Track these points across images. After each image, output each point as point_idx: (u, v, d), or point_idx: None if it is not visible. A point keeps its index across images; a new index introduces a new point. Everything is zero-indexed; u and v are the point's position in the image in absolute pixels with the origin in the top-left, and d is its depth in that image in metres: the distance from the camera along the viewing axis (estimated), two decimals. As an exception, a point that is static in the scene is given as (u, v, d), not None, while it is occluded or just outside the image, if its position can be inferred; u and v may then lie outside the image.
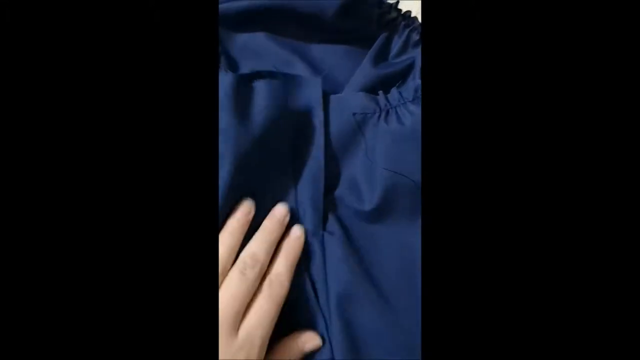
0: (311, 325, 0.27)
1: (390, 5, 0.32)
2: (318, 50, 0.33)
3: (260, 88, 0.27)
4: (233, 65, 0.31)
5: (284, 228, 0.27)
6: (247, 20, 0.31)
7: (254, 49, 0.32)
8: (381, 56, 0.32)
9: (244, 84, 0.27)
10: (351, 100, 0.29)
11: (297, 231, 0.27)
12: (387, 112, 0.29)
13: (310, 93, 0.28)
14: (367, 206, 0.29)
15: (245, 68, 0.31)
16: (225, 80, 0.26)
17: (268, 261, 0.26)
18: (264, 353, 0.25)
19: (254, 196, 0.27)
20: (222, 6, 0.31)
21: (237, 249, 0.26)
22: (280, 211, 0.27)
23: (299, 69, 0.32)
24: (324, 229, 0.28)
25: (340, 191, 0.30)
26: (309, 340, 0.26)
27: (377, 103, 0.29)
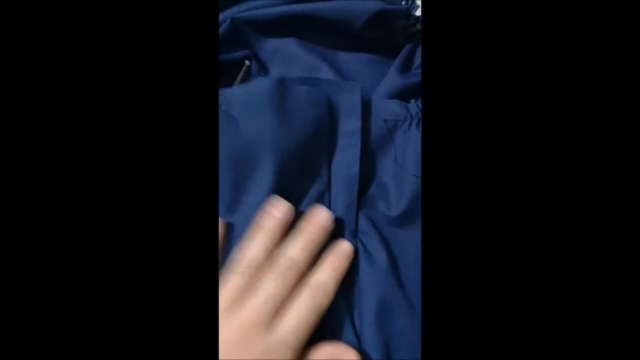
0: (339, 329, 0.27)
1: (417, 17, 0.33)
2: (344, 58, 0.33)
3: (301, 93, 0.27)
4: (263, 69, 0.32)
5: (327, 235, 0.26)
6: (278, 26, 0.32)
7: (283, 54, 0.32)
8: (406, 66, 0.33)
9: (284, 88, 0.27)
10: (383, 106, 0.30)
11: (347, 248, 0.27)
12: (419, 120, 0.30)
13: (349, 98, 0.29)
14: (395, 211, 0.30)
15: (275, 72, 0.32)
16: (264, 84, 0.27)
17: (307, 267, 0.25)
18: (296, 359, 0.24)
19: (289, 199, 0.27)
20: (254, 12, 0.31)
21: (272, 249, 0.25)
22: (324, 217, 0.26)
23: (326, 74, 0.32)
24: (356, 234, 0.29)
25: (371, 196, 0.30)
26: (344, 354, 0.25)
27: (408, 110, 0.30)
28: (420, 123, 0.30)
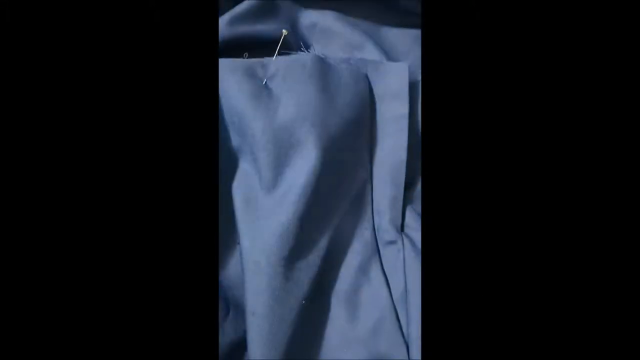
0: (386, 327, 0.25)
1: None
2: (390, 34, 0.31)
3: (342, 71, 0.25)
4: (305, 43, 0.29)
5: None
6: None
7: (322, 29, 0.30)
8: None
9: (326, 66, 0.24)
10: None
11: None
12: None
13: (396, 81, 0.26)
14: None
15: (316, 48, 0.29)
16: (306, 60, 0.24)
17: None
18: None
19: (330, 184, 0.25)
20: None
21: None
22: None
23: (370, 53, 0.29)
24: (403, 228, 0.26)
25: (420, 186, 0.27)
26: None
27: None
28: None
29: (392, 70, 0.27)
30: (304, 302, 0.23)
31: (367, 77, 0.26)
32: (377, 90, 0.26)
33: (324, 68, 0.24)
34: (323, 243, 0.24)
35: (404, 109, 0.26)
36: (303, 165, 0.24)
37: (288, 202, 0.23)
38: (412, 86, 0.27)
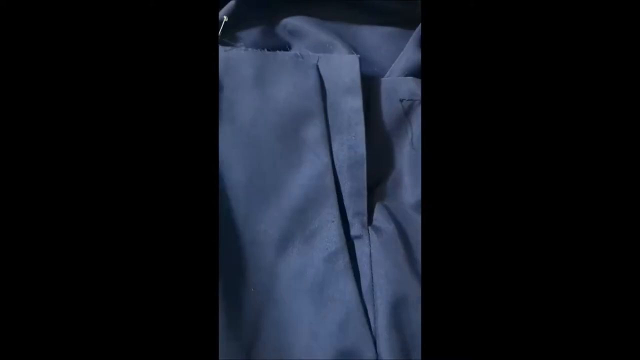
0: (353, 323, 0.25)
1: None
2: (360, 32, 0.31)
3: (285, 60, 0.25)
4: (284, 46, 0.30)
5: None
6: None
7: (292, 29, 0.30)
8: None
9: (270, 63, 0.25)
10: (399, 85, 0.28)
11: None
12: (437, 99, 0.27)
13: (348, 74, 0.26)
14: (411, 198, 0.27)
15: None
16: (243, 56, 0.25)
17: None
18: None
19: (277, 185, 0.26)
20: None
21: None
22: None
23: (339, 51, 0.30)
24: (370, 223, 0.26)
25: (389, 182, 0.28)
26: None
27: (427, 88, 0.27)
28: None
29: (344, 62, 0.27)
30: (252, 289, 0.23)
31: (317, 68, 0.26)
32: (329, 83, 0.27)
33: (264, 60, 0.25)
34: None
35: (358, 103, 0.26)
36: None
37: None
38: (370, 79, 0.27)
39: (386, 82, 0.28)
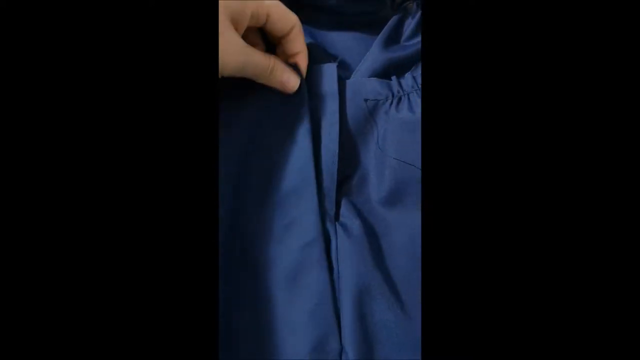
0: (323, 313, 0.27)
1: (404, -14, 0.31)
2: (328, 36, 0.32)
3: None
4: None
5: None
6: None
7: None
8: (393, 39, 0.31)
9: None
10: (363, 85, 0.29)
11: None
12: (399, 99, 0.28)
13: (327, 81, 0.28)
14: (377, 195, 0.28)
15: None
16: None
17: None
18: None
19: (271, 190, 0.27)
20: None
21: None
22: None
23: (315, 53, 0.31)
24: (338, 218, 0.28)
25: (356, 179, 0.29)
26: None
27: (390, 89, 0.29)
28: (401, 103, 0.28)
29: (324, 71, 0.28)
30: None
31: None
32: (313, 90, 0.28)
33: None
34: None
35: (335, 105, 0.28)
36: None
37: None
38: (343, 82, 0.28)
39: (351, 84, 0.29)
